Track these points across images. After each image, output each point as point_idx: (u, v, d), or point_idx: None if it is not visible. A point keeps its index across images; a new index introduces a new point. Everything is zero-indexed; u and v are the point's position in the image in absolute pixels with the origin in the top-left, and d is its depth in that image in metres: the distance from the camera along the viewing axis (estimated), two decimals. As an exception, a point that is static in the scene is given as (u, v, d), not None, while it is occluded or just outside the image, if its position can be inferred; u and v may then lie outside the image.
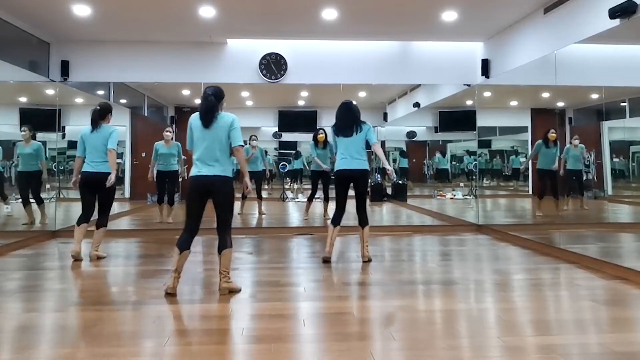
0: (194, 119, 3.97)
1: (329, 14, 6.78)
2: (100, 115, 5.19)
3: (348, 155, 5.02)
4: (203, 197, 3.78)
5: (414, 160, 12.03)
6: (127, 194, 10.14)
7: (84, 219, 5.15)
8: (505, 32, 7.48)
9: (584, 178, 7.07)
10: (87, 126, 5.23)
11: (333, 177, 5.34)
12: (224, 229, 3.79)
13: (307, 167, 11.84)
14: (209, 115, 3.89)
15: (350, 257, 5.39)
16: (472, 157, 10.34)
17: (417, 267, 4.84)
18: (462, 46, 8.15)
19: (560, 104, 7.61)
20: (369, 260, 5.01)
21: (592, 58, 6.13)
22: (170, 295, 3.68)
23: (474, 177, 9.56)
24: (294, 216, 8.95)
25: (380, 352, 2.61)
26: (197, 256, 5.46)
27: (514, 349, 2.63)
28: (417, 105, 9.73)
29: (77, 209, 5.27)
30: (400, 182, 11.65)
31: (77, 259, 5.04)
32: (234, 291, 3.81)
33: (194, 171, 3.81)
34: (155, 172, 7.74)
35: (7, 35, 6.81)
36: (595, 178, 6.91)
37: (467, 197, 9.83)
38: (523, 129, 8.90)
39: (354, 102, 5.19)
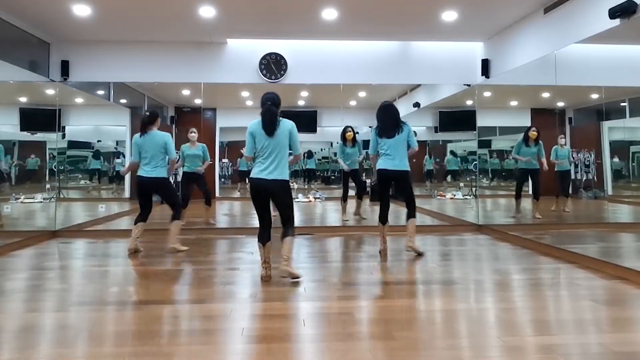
0: (256, 126, 4.20)
1: (329, 14, 6.78)
2: (150, 121, 5.48)
3: (391, 156, 5.23)
4: (265, 197, 4.24)
5: (414, 160, 12.01)
6: (127, 194, 10.14)
7: (140, 218, 5.57)
8: (505, 32, 7.48)
9: (585, 178, 7.07)
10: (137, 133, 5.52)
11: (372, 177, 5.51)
12: (288, 223, 4.25)
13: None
14: (273, 125, 4.15)
15: (350, 257, 5.39)
16: (456, 157, 10.48)
17: (417, 267, 4.84)
18: (462, 46, 8.15)
19: (561, 104, 7.61)
20: (419, 254, 5.30)
21: (592, 58, 6.12)
22: (266, 281, 4.16)
23: (474, 177, 9.55)
24: (295, 216, 8.94)
25: (380, 352, 2.61)
26: (197, 257, 5.46)
27: (514, 349, 2.63)
28: (417, 105, 9.73)
29: (76, 209, 5.29)
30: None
31: (132, 252, 5.49)
32: (294, 276, 4.21)
33: (255, 174, 4.17)
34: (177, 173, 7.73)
35: (8, 35, 6.81)
36: (595, 178, 6.91)
37: (467, 197, 9.82)
38: (523, 129, 8.89)
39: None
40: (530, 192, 7.56)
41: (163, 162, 5.45)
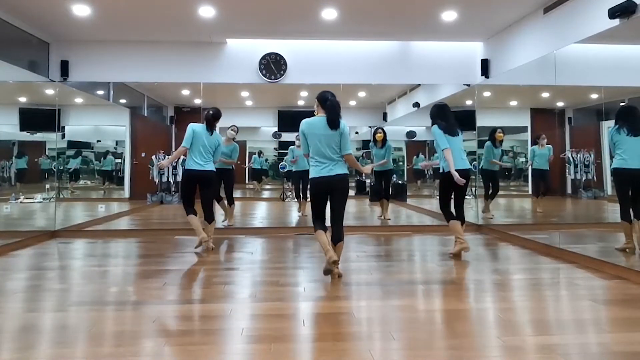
0: (310, 124, 4.33)
1: (329, 13, 6.78)
2: (215, 119, 5.64)
3: (462, 155, 5.26)
4: (325, 193, 4.30)
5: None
6: (127, 194, 10.14)
7: (192, 210, 5.62)
8: (505, 32, 7.48)
9: (584, 178, 7.08)
10: (202, 124, 5.62)
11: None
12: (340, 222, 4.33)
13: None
14: (337, 119, 4.25)
15: (350, 257, 5.39)
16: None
17: (416, 267, 4.84)
18: (461, 46, 8.16)
19: (560, 104, 7.61)
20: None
21: (591, 58, 6.12)
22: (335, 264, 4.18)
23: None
24: (294, 216, 8.95)
25: (379, 352, 2.61)
26: (197, 257, 5.46)
27: (513, 349, 2.63)
28: (416, 105, 9.73)
29: (75, 209, 5.29)
30: (400, 182, 11.64)
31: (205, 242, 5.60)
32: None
33: (315, 172, 4.26)
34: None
35: (7, 35, 6.81)
36: (595, 178, 6.91)
37: (466, 197, 9.82)
38: (523, 129, 8.89)
39: None
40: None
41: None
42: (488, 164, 7.75)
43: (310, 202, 4.39)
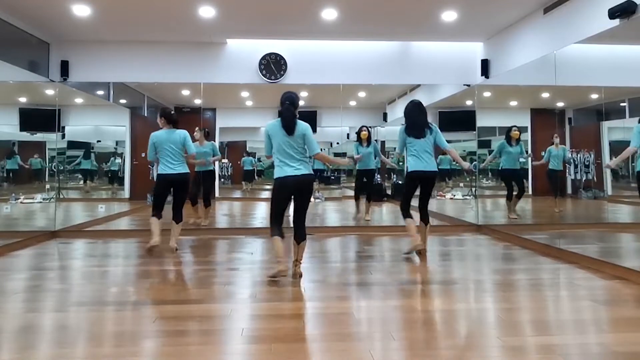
0: (273, 126, 4.30)
1: (329, 14, 6.78)
2: (166, 116, 5.57)
3: (422, 156, 5.21)
4: (290, 193, 4.30)
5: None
6: (126, 194, 10.14)
7: (158, 214, 5.50)
8: (505, 32, 7.48)
9: (584, 178, 7.07)
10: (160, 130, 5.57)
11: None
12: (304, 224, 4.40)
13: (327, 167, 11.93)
14: (291, 125, 4.23)
15: (349, 257, 5.39)
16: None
17: (416, 267, 4.84)
18: (461, 46, 8.15)
19: (560, 104, 7.61)
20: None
21: (591, 58, 6.13)
22: (295, 278, 4.23)
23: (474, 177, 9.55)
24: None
25: (379, 352, 2.61)
26: (197, 257, 5.47)
27: (513, 349, 2.63)
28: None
29: (75, 209, 5.30)
30: (400, 182, 11.64)
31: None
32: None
33: (281, 172, 4.24)
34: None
35: (7, 36, 6.81)
36: (595, 178, 6.91)
37: (467, 197, 9.82)
38: (523, 129, 8.89)
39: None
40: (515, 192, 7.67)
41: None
42: (507, 163, 7.63)
43: (271, 204, 4.37)
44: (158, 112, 5.61)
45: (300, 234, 4.35)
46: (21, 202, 7.81)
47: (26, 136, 8.10)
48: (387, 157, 9.70)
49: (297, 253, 4.34)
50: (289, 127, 4.21)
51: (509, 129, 7.62)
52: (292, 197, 4.34)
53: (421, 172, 5.20)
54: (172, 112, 5.62)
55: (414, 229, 5.21)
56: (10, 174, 7.80)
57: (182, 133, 5.55)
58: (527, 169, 8.06)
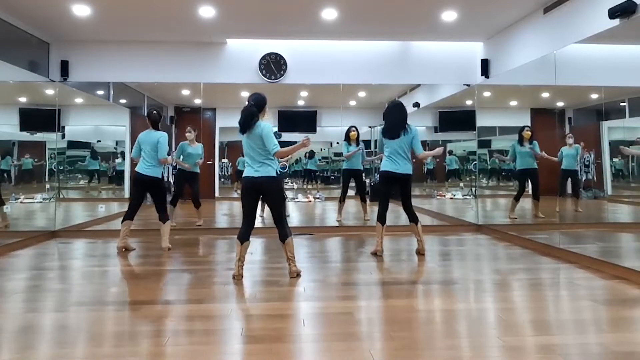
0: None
1: (329, 13, 6.78)
2: (150, 117, 5.76)
3: (394, 157, 5.24)
4: (252, 194, 4.34)
5: (414, 161, 12.02)
6: (127, 194, 10.13)
7: (129, 215, 5.72)
8: (505, 32, 7.48)
9: (584, 178, 7.05)
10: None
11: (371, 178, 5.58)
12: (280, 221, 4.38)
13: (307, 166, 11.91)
14: (245, 124, 4.25)
15: (349, 257, 5.39)
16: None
17: (416, 267, 4.84)
18: (461, 46, 8.16)
19: (560, 104, 7.60)
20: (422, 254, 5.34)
21: (591, 58, 6.12)
22: (237, 280, 4.21)
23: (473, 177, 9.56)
24: (293, 216, 8.95)
25: (379, 352, 2.61)
26: (196, 257, 5.47)
27: (513, 349, 2.63)
28: (416, 105, 9.72)
29: (75, 209, 5.32)
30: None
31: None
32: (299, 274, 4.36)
33: (245, 173, 4.34)
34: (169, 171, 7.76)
35: (7, 36, 6.81)
36: (595, 178, 6.90)
37: (467, 197, 9.83)
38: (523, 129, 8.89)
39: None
40: (530, 192, 7.56)
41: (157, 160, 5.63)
42: (522, 163, 7.56)
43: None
44: None
45: (280, 233, 4.37)
46: (21, 202, 7.80)
47: (26, 136, 8.10)
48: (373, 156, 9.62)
49: (285, 252, 4.39)
50: (243, 125, 4.24)
51: (522, 129, 7.55)
52: (260, 198, 4.46)
53: (391, 172, 5.24)
54: (154, 111, 5.72)
55: (379, 232, 5.37)
56: (5, 175, 7.77)
57: (157, 135, 5.62)
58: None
